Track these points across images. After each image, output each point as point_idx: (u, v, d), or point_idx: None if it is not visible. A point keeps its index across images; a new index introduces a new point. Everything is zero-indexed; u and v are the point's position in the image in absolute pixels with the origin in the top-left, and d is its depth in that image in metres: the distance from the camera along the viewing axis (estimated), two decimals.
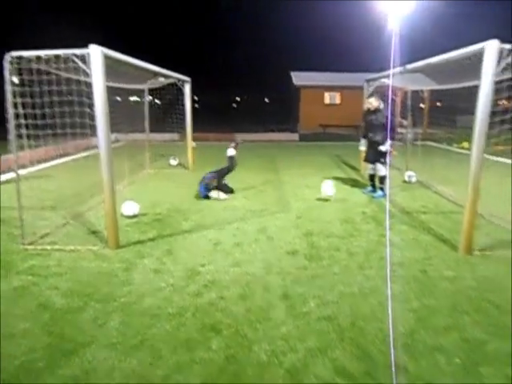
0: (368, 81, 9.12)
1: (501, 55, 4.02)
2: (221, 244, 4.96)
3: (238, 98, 51.29)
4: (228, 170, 7.53)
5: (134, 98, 11.76)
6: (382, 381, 2.51)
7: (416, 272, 4.13)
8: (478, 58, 4.27)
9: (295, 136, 20.54)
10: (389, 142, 7.08)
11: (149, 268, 4.24)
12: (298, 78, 26.39)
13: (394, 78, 8.08)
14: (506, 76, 4.71)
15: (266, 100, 50.86)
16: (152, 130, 11.27)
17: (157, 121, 11.45)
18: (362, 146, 7.94)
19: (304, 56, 54.13)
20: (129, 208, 6.03)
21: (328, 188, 7.14)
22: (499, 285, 3.84)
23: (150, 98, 11.24)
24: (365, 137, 7.70)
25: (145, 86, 10.06)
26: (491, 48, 4.01)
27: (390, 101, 7.36)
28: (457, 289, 3.76)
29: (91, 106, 4.46)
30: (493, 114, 4.39)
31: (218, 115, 30.94)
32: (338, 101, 25.70)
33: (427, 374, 2.57)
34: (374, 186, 7.70)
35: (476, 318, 3.25)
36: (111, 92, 7.98)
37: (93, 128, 4.53)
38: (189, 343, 2.91)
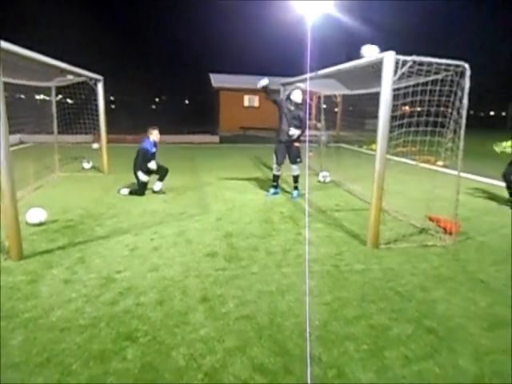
0: (283, 84, 9.41)
1: (397, 65, 4.42)
2: (138, 249, 4.78)
3: (156, 99, 49.95)
4: None
5: (41, 97, 10.89)
6: (298, 373, 2.62)
7: (329, 267, 4.37)
8: (379, 66, 4.65)
9: (215, 138, 20.57)
10: (297, 131, 7.12)
11: (58, 279, 3.94)
12: (217, 79, 26.51)
13: (308, 82, 8.47)
14: (404, 84, 5.21)
15: (186, 101, 50.25)
16: (63, 132, 10.50)
17: (68, 121, 10.68)
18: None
19: (223, 58, 54.56)
20: (34, 215, 5.56)
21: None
22: (400, 274, 4.22)
23: (61, 96, 10.47)
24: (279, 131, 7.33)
25: (52, 84, 9.35)
26: (389, 58, 4.40)
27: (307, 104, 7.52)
28: (365, 280, 4.05)
29: None
30: (394, 118, 4.82)
31: (137, 116, 29.80)
32: (256, 103, 26.27)
33: (338, 362, 2.73)
34: (276, 187, 7.87)
35: (381, 305, 3.53)
36: (12, 89, 7.34)
37: None
38: (102, 355, 2.76)
